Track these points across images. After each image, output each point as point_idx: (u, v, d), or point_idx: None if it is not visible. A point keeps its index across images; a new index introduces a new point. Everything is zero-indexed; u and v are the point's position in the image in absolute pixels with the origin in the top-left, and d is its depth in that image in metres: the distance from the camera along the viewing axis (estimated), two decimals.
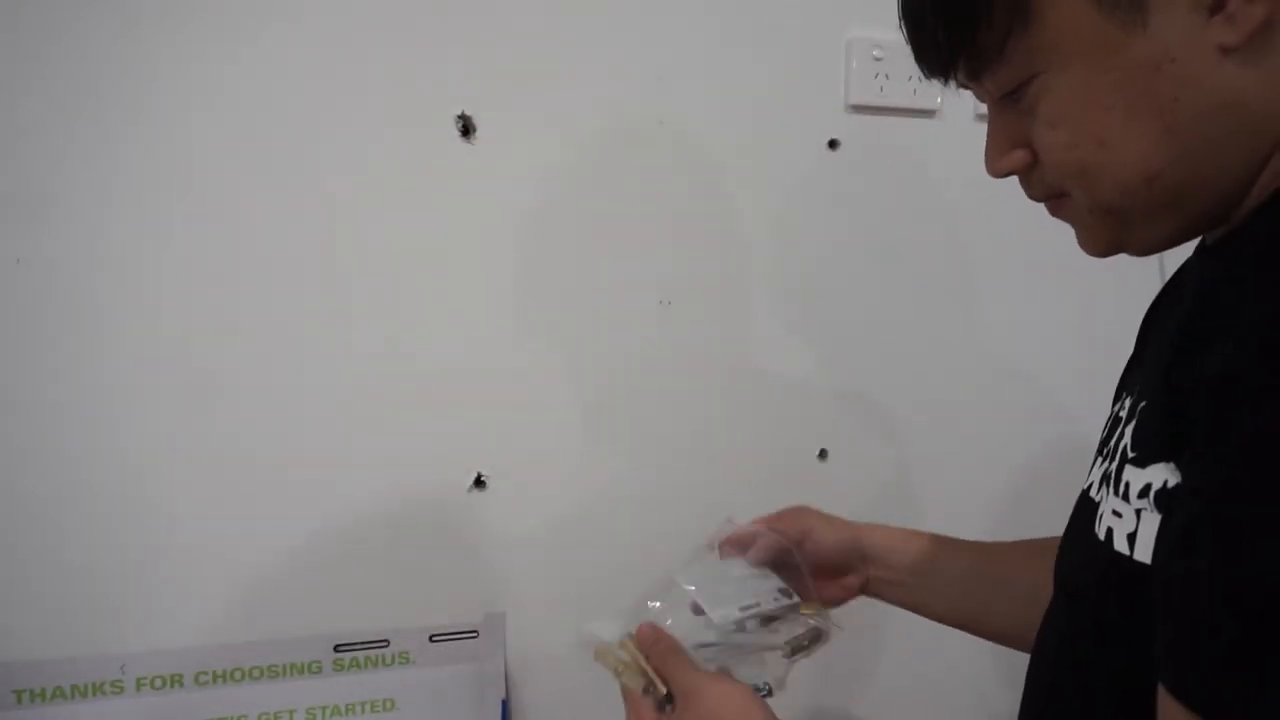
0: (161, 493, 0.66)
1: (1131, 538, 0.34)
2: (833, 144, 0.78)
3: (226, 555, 0.68)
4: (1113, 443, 0.39)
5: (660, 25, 0.73)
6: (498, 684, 0.70)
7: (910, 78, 0.78)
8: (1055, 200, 0.40)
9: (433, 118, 0.69)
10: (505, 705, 0.70)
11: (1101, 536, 0.36)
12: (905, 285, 0.81)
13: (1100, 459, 0.42)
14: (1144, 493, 0.33)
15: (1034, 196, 0.42)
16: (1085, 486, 0.43)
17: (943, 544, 0.60)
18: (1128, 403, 0.40)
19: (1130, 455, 0.35)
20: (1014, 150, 0.40)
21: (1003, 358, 0.83)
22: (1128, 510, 0.34)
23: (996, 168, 0.41)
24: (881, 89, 0.77)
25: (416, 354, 0.70)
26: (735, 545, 0.58)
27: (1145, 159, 0.34)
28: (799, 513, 0.60)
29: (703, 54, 0.74)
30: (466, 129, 0.69)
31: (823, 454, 0.80)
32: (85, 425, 0.64)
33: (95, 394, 0.64)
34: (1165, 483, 0.32)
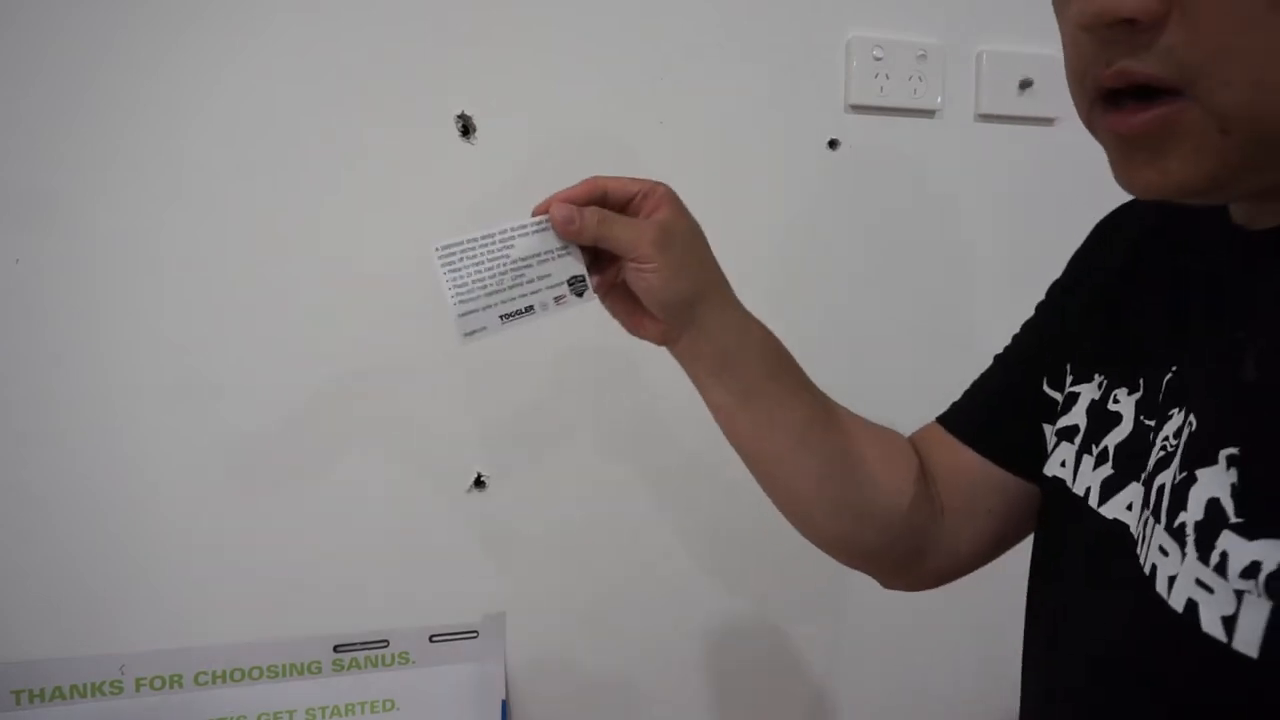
0: (161, 493, 0.66)
1: (1229, 622, 0.27)
2: (833, 144, 0.78)
3: (226, 555, 0.68)
4: (1152, 461, 0.34)
5: (660, 25, 0.73)
6: (497, 684, 0.71)
7: (910, 77, 0.78)
8: (1158, 102, 0.28)
9: (433, 118, 0.69)
10: (505, 705, 0.70)
11: (1178, 608, 0.29)
12: (905, 285, 0.82)
13: (1107, 465, 0.38)
14: (1250, 572, 0.27)
15: (1130, 75, 0.28)
16: (1077, 489, 0.39)
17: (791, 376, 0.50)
18: (1177, 417, 0.33)
19: (1234, 520, 0.28)
20: None
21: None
22: (1223, 587, 0.28)
23: (1104, 3, 0.27)
24: (882, 89, 0.77)
25: (416, 353, 0.70)
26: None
27: None
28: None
29: (703, 54, 0.74)
30: (466, 129, 0.69)
31: None
32: (84, 425, 0.64)
33: (95, 394, 0.64)
34: None
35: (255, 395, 0.67)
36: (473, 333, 0.44)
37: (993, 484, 0.48)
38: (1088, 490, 0.38)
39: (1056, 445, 0.43)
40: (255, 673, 0.68)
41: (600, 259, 0.46)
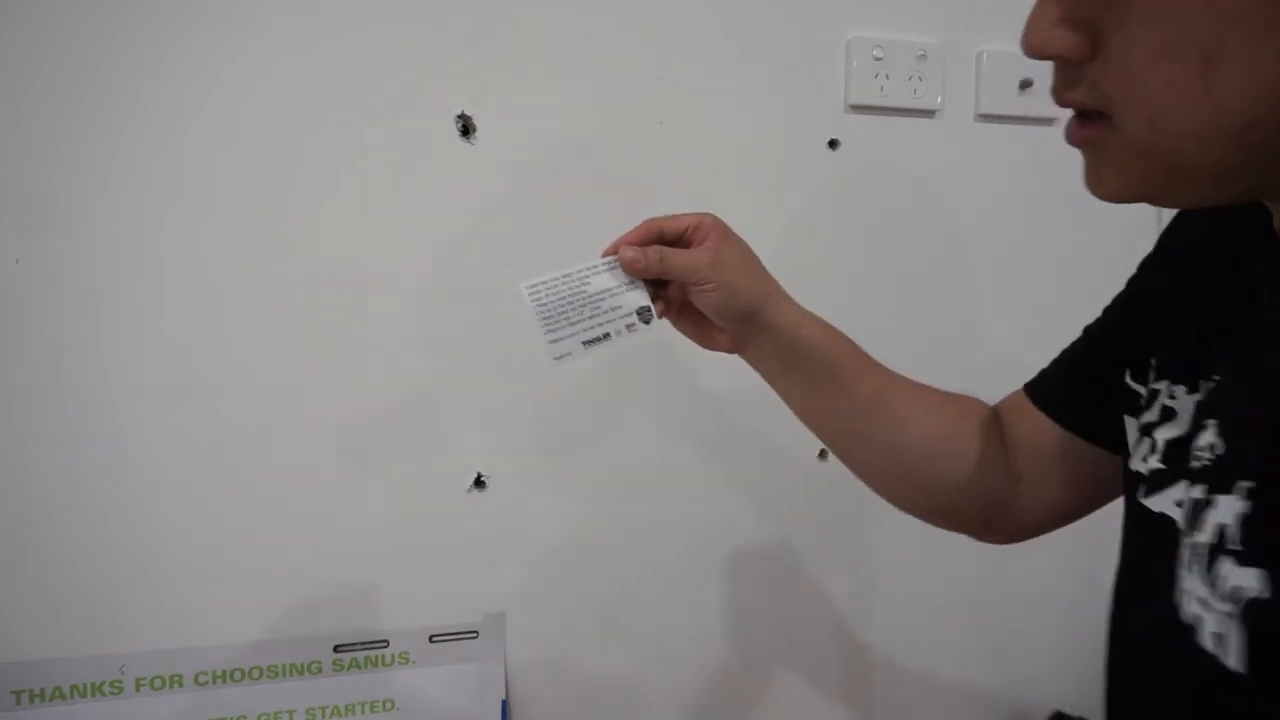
0: (161, 493, 0.66)
1: (1221, 640, 0.30)
2: (833, 144, 0.78)
3: (226, 555, 0.68)
4: (1190, 467, 0.34)
5: (660, 25, 0.73)
6: (497, 684, 0.71)
7: (910, 77, 0.78)
8: (1089, 122, 0.31)
9: (432, 117, 0.69)
10: (505, 705, 0.70)
11: (1188, 620, 0.32)
12: (905, 285, 0.82)
13: (1157, 458, 0.38)
14: (1235, 597, 0.29)
15: (1065, 101, 0.32)
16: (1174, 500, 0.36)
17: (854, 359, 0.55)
18: (1210, 431, 0.34)
19: (1234, 546, 0.30)
20: (1065, 28, 0.30)
21: (1002, 357, 0.83)
22: (1218, 607, 0.30)
23: (1034, 42, 0.31)
24: (882, 89, 0.77)
25: (416, 353, 0.70)
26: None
27: (1253, 101, 0.26)
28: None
29: (703, 54, 0.74)
30: (466, 129, 0.69)
31: (822, 454, 0.80)
32: (84, 425, 0.64)
33: (95, 394, 0.64)
34: None
35: (255, 395, 0.67)
36: (561, 357, 0.50)
37: (1070, 454, 0.49)
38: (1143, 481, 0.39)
39: (1139, 440, 0.41)
40: (255, 673, 0.68)
41: (662, 287, 0.53)
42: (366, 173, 0.68)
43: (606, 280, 0.51)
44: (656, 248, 0.50)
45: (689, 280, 0.50)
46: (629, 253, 0.50)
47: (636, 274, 0.51)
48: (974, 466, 0.53)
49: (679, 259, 0.50)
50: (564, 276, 0.50)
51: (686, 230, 0.52)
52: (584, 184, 0.73)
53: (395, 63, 0.67)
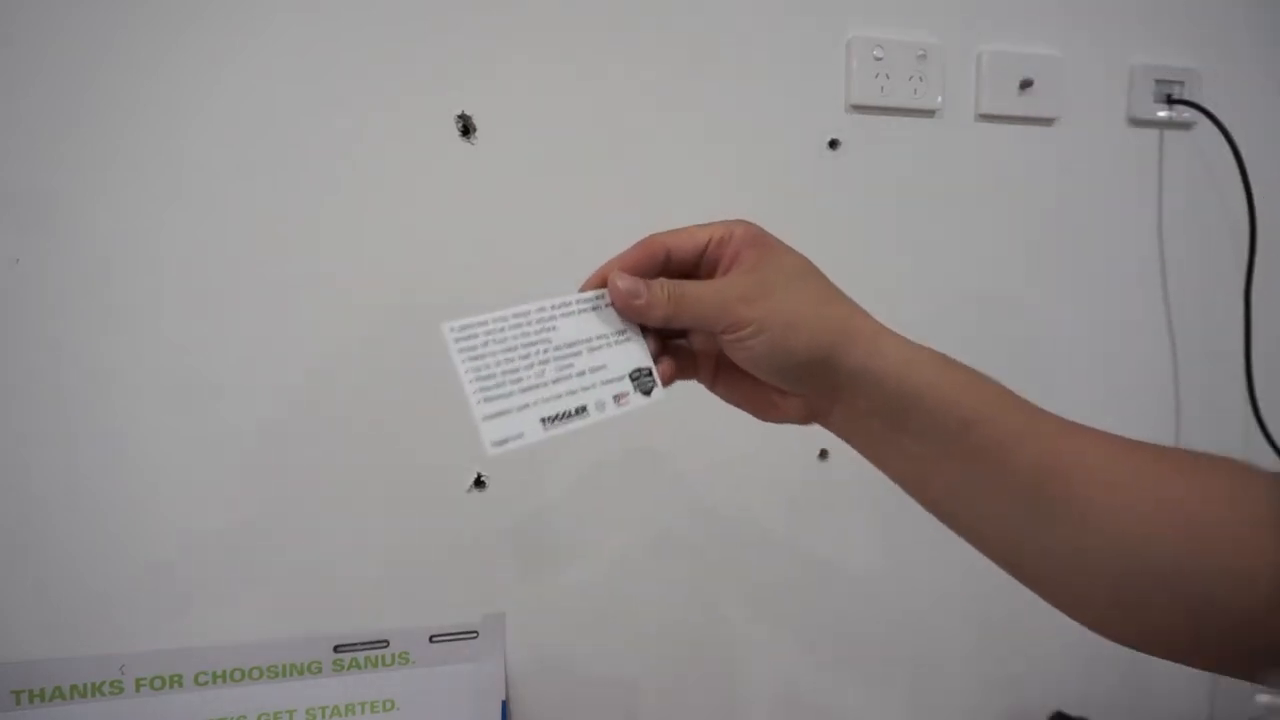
0: (161, 493, 0.66)
1: None
2: (833, 144, 0.78)
3: (225, 555, 0.68)
4: None
5: (660, 24, 0.73)
6: (498, 685, 0.70)
7: (910, 77, 0.78)
8: None
9: (432, 117, 0.69)
10: (505, 706, 0.70)
11: None
12: (905, 285, 0.81)
13: None
14: None
15: None
16: None
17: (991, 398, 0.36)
18: None
19: None
20: None
21: (1003, 357, 0.83)
22: None
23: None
24: (882, 89, 0.77)
25: (416, 353, 0.69)
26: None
27: None
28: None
29: (703, 53, 0.74)
30: (466, 129, 0.69)
31: (823, 454, 0.80)
32: (84, 425, 0.64)
33: (94, 394, 0.64)
34: None
35: (255, 395, 0.67)
36: (504, 441, 0.34)
37: None
38: None
39: None
40: (255, 673, 0.68)
41: (677, 337, 0.39)
42: (366, 173, 0.68)
43: (585, 326, 0.36)
44: (663, 281, 0.36)
45: (716, 326, 0.35)
46: (625, 284, 0.35)
47: (633, 317, 0.36)
48: (1233, 588, 0.30)
49: (698, 294, 0.35)
50: (515, 316, 0.35)
51: (707, 247, 0.37)
52: (584, 183, 0.73)
53: (395, 63, 0.67)
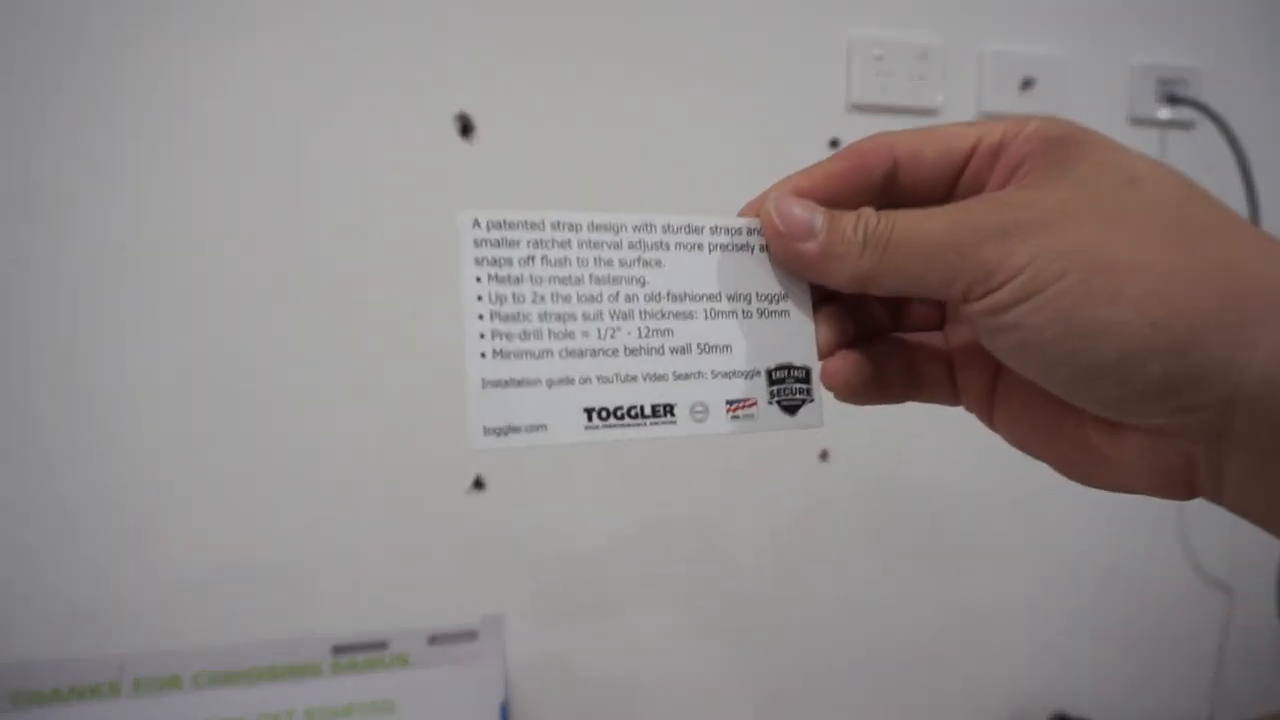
0: (160, 492, 0.66)
1: None
2: (834, 143, 0.78)
3: (225, 556, 0.67)
4: None
5: (660, 24, 0.73)
6: (497, 686, 0.70)
7: (911, 76, 0.78)
8: None
9: (431, 117, 0.68)
10: (504, 707, 0.70)
11: None
12: None
13: None
14: None
15: None
16: None
17: None
18: None
19: None
20: None
21: None
22: None
23: None
24: (883, 88, 0.77)
25: (416, 354, 0.69)
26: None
27: None
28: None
29: (703, 52, 0.74)
30: (466, 128, 0.69)
31: (823, 455, 0.80)
32: (82, 425, 0.64)
33: (93, 394, 0.64)
34: None
35: (254, 395, 0.67)
36: (505, 430, 0.22)
37: None
38: None
39: None
40: (254, 674, 0.68)
41: (895, 309, 0.25)
42: (365, 172, 0.67)
43: (713, 273, 0.23)
44: (864, 212, 0.22)
45: (948, 286, 0.20)
46: (784, 211, 0.23)
47: (801, 272, 0.23)
48: None
49: (918, 229, 0.21)
50: (595, 229, 0.23)
51: (971, 158, 0.22)
52: (584, 184, 0.72)
53: (394, 61, 0.67)
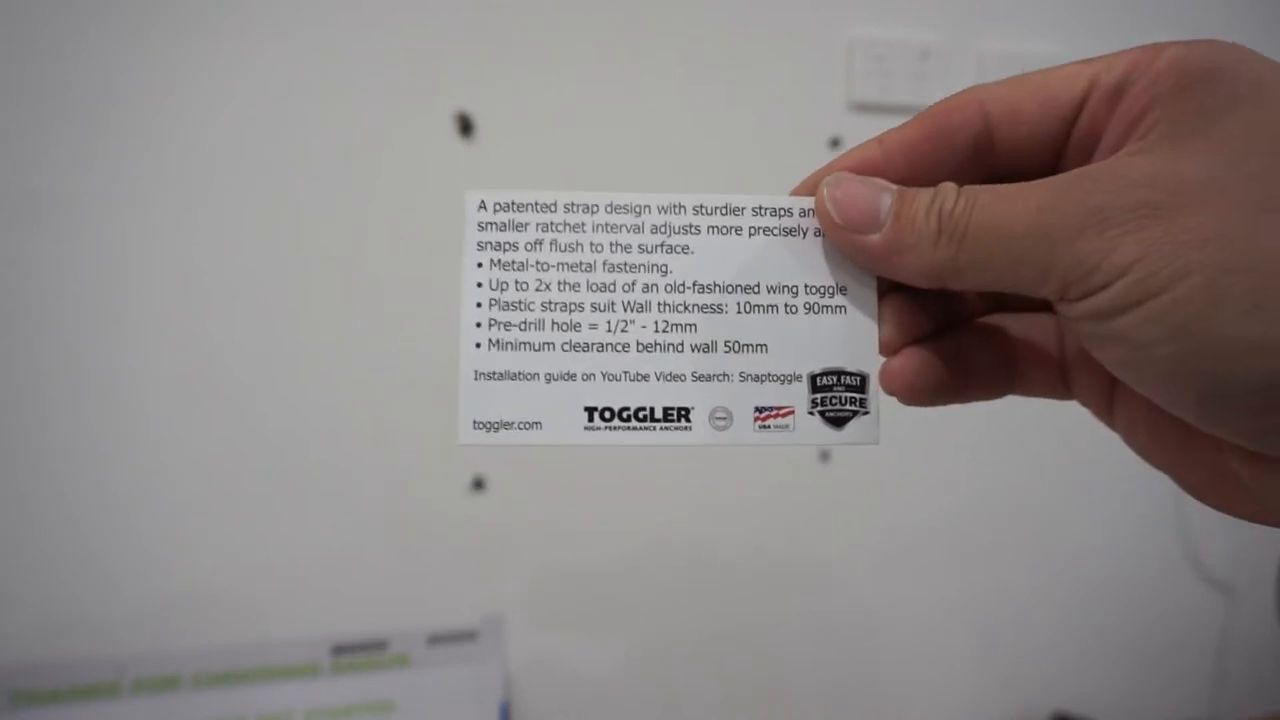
0: (159, 493, 0.66)
1: None
2: (835, 142, 0.78)
3: (225, 555, 0.67)
4: None
5: (660, 24, 0.73)
6: (497, 686, 0.70)
7: (912, 76, 0.78)
8: None
9: (431, 116, 0.68)
10: (504, 707, 0.69)
11: None
12: None
13: None
14: None
15: None
16: None
17: None
18: None
19: None
20: None
21: None
22: None
23: None
24: (884, 87, 0.77)
25: (416, 354, 0.69)
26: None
27: None
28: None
29: (703, 52, 0.74)
30: (466, 128, 0.69)
31: (824, 455, 0.79)
32: (82, 425, 0.64)
33: (93, 394, 0.64)
34: None
35: (254, 396, 0.67)
36: (496, 426, 0.20)
37: None
38: None
39: None
40: (253, 675, 0.68)
41: (990, 305, 0.21)
42: (364, 172, 0.67)
43: (751, 261, 0.20)
44: (945, 188, 0.18)
45: (1040, 283, 0.17)
46: (840, 192, 0.19)
47: (862, 264, 0.20)
48: None
49: (1003, 212, 0.17)
50: (614, 210, 0.20)
51: (1084, 106, 0.18)
52: (584, 183, 0.72)
53: (394, 61, 0.67)
